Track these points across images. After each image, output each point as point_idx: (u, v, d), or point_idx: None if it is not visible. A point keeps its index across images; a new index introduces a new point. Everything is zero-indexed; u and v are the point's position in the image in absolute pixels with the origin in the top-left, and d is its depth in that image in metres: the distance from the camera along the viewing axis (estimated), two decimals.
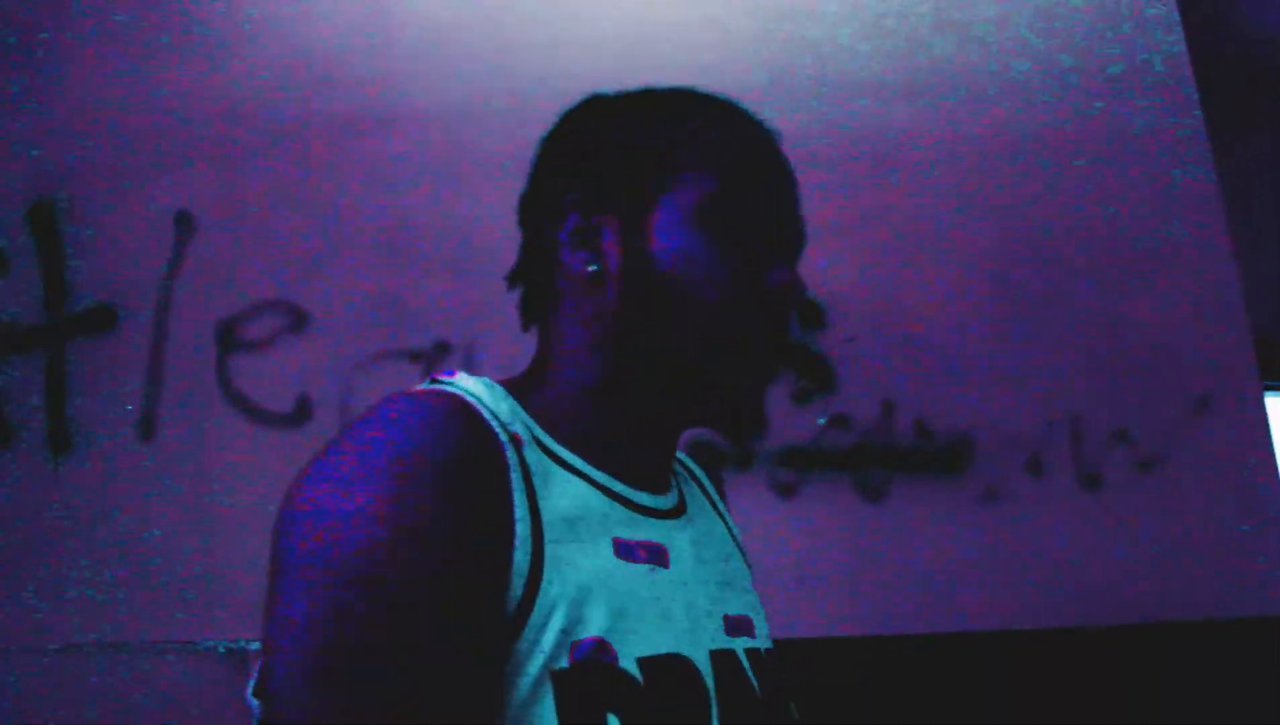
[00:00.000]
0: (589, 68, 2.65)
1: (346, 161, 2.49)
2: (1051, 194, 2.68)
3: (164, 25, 2.51)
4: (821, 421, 2.47)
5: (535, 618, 0.84)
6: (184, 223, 2.41)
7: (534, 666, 0.83)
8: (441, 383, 0.96)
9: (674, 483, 1.14)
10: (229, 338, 2.36)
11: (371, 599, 0.76)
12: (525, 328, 1.14)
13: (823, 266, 2.56)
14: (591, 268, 1.00)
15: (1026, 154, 2.70)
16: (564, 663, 0.84)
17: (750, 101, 2.71)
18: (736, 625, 1.05)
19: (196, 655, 2.17)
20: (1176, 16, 3.00)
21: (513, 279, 1.14)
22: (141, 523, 2.23)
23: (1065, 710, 2.37)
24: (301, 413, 2.34)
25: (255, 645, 2.19)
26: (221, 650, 2.18)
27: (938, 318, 2.54)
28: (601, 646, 0.86)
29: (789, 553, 2.34)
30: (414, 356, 2.41)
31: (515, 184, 2.54)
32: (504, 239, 2.56)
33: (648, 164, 1.01)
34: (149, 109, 2.46)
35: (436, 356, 2.41)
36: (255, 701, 0.82)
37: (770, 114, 2.67)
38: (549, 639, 0.84)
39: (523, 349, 2.42)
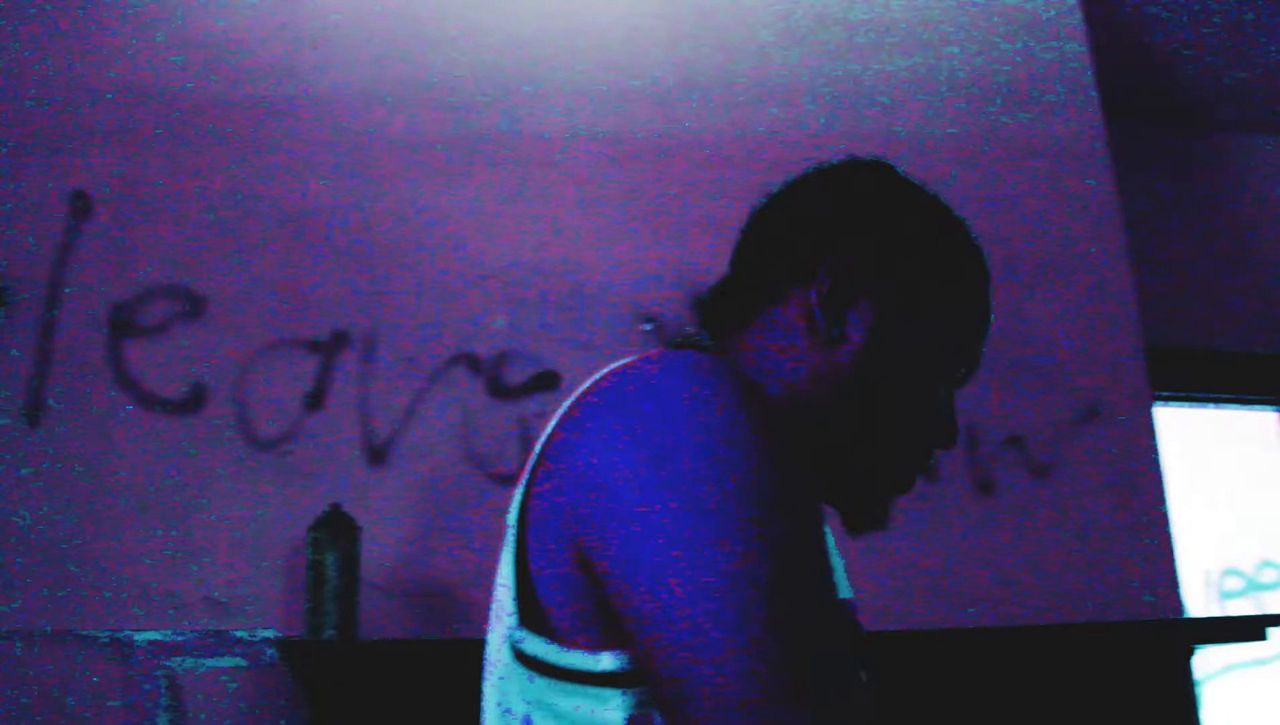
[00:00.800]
0: (498, 60, 2.64)
1: (248, 146, 2.46)
2: (952, 200, 2.71)
3: (66, 5, 2.46)
4: None
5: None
6: (79, 203, 2.37)
7: None
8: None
9: None
10: (122, 322, 2.32)
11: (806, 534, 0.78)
12: (705, 327, 1.15)
13: (725, 266, 2.58)
14: (835, 331, 1.03)
15: (929, 159, 2.71)
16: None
17: (658, 99, 2.72)
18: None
19: (80, 643, 2.14)
20: (1080, 25, 3.05)
21: (727, 287, 1.14)
22: (27, 510, 2.19)
23: (949, 710, 2.40)
24: (195, 400, 2.31)
25: (146, 636, 2.16)
26: (105, 640, 2.15)
27: None
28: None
29: None
30: (312, 346, 2.38)
31: (419, 174, 2.54)
32: (406, 229, 2.56)
33: (924, 271, 1.07)
34: (47, 88, 2.40)
35: (335, 346, 2.39)
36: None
37: (679, 112, 2.69)
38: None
39: (423, 341, 2.42)
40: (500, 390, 2.43)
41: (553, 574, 0.82)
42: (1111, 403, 2.76)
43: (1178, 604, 2.78)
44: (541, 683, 0.83)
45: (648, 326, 2.50)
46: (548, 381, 2.45)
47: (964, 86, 2.91)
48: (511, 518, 0.89)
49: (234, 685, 2.18)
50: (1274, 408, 4.04)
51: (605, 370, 0.89)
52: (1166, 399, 3.70)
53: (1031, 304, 2.74)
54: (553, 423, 0.89)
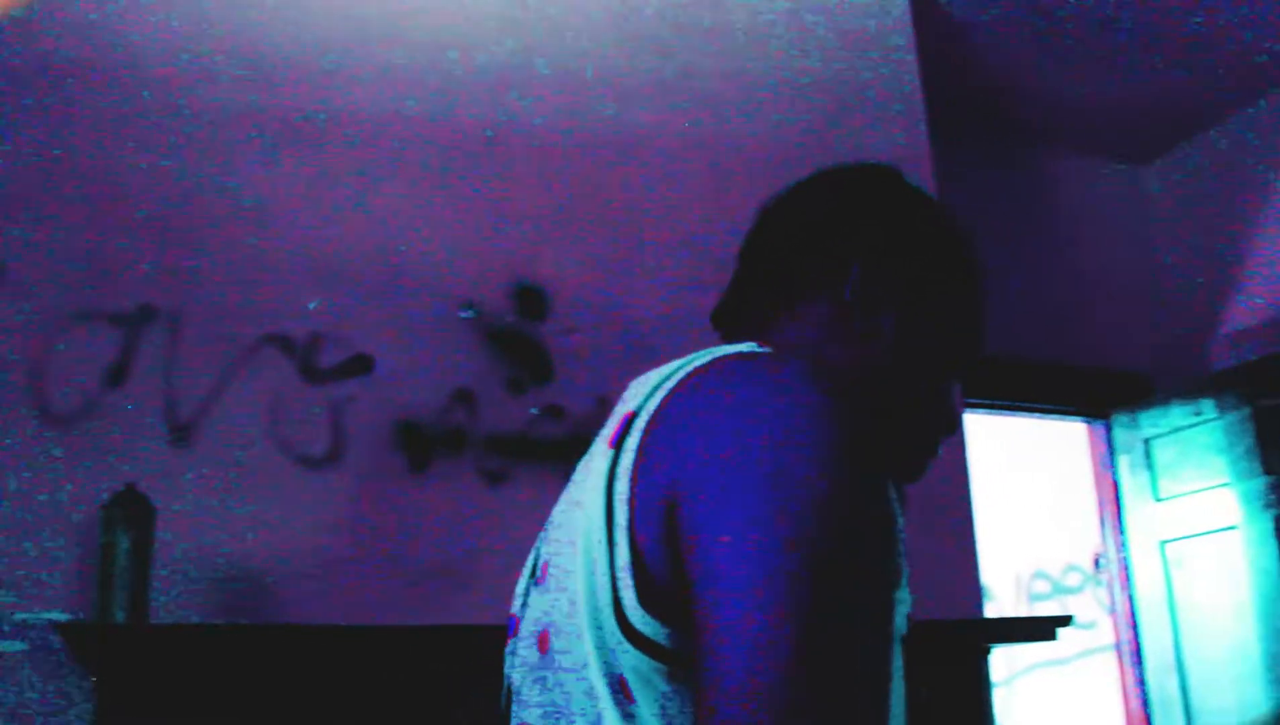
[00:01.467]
0: (325, 36, 2.59)
1: (52, 111, 2.36)
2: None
3: None
4: (534, 411, 2.48)
5: (902, 591, 0.90)
6: None
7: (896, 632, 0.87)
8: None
9: None
10: None
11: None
12: (721, 326, 1.20)
13: (550, 257, 2.58)
14: (869, 328, 1.09)
15: (760, 160, 2.77)
16: (905, 628, 0.93)
17: (488, 86, 2.69)
18: None
19: None
20: (910, 40, 3.13)
21: (747, 286, 1.18)
22: None
23: None
24: None
25: None
26: None
27: (664, 316, 2.58)
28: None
29: (496, 540, 2.35)
30: (115, 320, 2.30)
31: (235, 149, 2.47)
32: (219, 204, 2.49)
33: (938, 271, 1.14)
34: None
35: (140, 321, 2.31)
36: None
37: (512, 98, 2.67)
38: (903, 602, 0.91)
39: (233, 320, 2.35)
40: (312, 373, 2.39)
41: (659, 555, 0.83)
42: None
43: (979, 606, 2.88)
44: (645, 660, 0.84)
45: (466, 314, 2.48)
46: (361, 366, 2.41)
47: (796, 93, 2.96)
48: (599, 493, 0.89)
49: (20, 670, 2.09)
50: (1081, 418, 4.21)
51: (706, 357, 0.92)
52: (976, 407, 3.83)
53: None
54: (642, 399, 0.91)
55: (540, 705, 0.95)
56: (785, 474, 0.78)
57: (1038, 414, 4.25)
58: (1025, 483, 5.17)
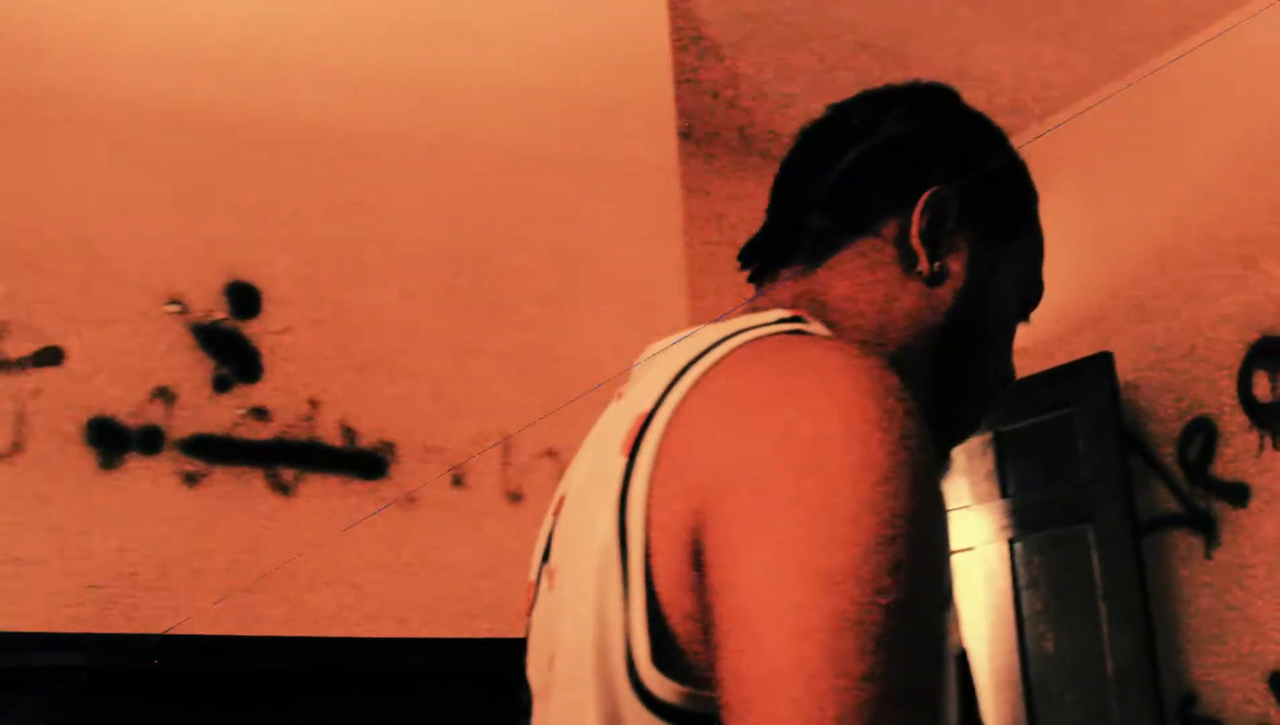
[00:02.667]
0: (28, 13, 2.46)
1: None
2: (515, 208, 2.73)
3: None
4: (240, 411, 2.39)
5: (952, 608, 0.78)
6: None
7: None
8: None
9: None
10: None
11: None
12: (759, 264, 1.09)
13: (265, 254, 2.49)
14: (936, 266, 0.99)
15: (498, 165, 2.74)
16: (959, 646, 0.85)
17: (217, 70, 2.59)
18: None
19: None
20: (667, 54, 3.14)
21: (786, 221, 1.06)
22: None
23: (472, 718, 2.40)
24: None
25: None
26: None
27: (381, 319, 2.52)
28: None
29: (188, 544, 2.26)
30: None
31: (20, 133, 2.33)
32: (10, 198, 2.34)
33: (1007, 204, 1.05)
34: None
35: None
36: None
37: (237, 87, 2.58)
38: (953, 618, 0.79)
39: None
40: None
41: (680, 592, 0.72)
42: None
43: None
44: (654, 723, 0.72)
45: (172, 308, 2.38)
46: (51, 357, 2.29)
47: (551, 98, 2.93)
48: (611, 509, 0.77)
49: None
50: None
51: (729, 341, 0.80)
52: None
53: (589, 320, 2.78)
54: (657, 398, 0.79)
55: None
56: (834, 495, 0.67)
57: None
58: None
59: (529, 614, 0.99)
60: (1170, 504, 3.54)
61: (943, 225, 0.99)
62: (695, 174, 3.21)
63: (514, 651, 1.08)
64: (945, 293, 0.99)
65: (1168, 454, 3.59)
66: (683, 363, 0.80)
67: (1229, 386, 3.45)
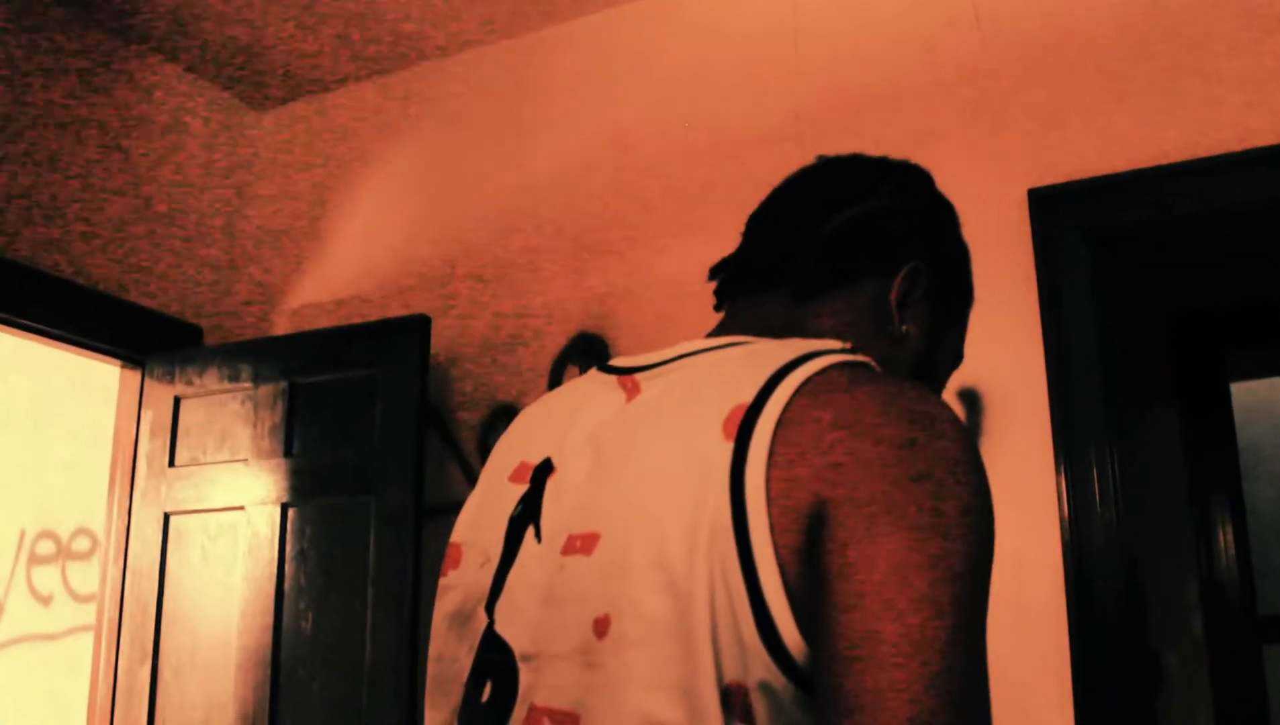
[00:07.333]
0: None
1: None
2: None
3: None
4: None
5: None
6: None
7: None
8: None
9: None
10: None
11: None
12: (729, 294, 1.22)
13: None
14: (904, 328, 1.15)
15: None
16: None
17: None
18: None
19: None
20: None
21: (769, 259, 1.19)
22: None
23: None
24: None
25: None
26: None
27: None
28: None
29: None
30: None
31: None
32: None
33: (961, 281, 1.25)
34: None
35: None
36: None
37: None
38: None
39: None
40: None
41: (798, 569, 0.85)
42: None
43: None
44: (783, 679, 0.85)
45: None
46: None
47: None
48: (722, 488, 0.88)
49: None
50: (122, 361, 3.63)
51: (815, 359, 0.96)
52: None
53: None
54: (756, 393, 0.92)
55: (579, 687, 0.92)
56: (946, 505, 0.85)
57: (74, 343, 3.55)
58: (46, 424, 4.48)
59: (489, 578, 1.04)
60: (464, 491, 3.34)
61: (913, 294, 1.16)
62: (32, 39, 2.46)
63: None
64: (906, 353, 1.16)
65: (470, 438, 3.40)
66: (771, 369, 0.95)
67: (540, 381, 3.32)
